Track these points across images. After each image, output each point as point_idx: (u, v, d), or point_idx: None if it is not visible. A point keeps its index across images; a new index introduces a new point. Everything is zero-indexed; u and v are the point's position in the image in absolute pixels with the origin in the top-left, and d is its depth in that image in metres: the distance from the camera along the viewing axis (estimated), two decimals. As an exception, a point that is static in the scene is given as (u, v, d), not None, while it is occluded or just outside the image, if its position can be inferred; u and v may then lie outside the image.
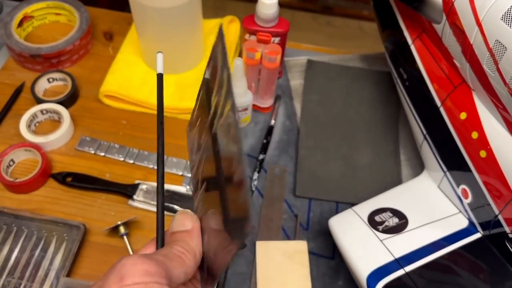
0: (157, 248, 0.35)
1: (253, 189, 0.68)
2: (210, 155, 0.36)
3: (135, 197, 0.66)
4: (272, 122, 0.75)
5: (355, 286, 0.59)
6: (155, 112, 0.74)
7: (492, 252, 0.54)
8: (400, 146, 0.74)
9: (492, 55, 0.47)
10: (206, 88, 0.39)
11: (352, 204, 0.61)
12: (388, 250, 0.55)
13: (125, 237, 0.63)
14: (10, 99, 0.75)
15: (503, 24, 0.45)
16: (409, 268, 0.54)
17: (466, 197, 0.56)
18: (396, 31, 0.66)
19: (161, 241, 0.35)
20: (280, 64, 0.75)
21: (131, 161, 0.70)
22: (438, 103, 0.58)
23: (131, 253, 0.62)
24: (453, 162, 0.57)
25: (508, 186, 0.50)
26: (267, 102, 0.75)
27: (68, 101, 0.74)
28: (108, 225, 0.63)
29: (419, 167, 0.71)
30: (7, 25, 0.78)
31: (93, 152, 0.71)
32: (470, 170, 0.54)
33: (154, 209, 0.66)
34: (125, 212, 0.66)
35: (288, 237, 0.65)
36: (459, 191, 0.57)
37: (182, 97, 0.75)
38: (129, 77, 0.77)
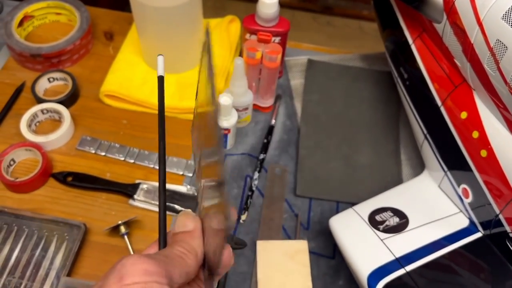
0: (159, 249, 0.35)
1: (254, 188, 0.68)
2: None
3: (135, 196, 0.66)
4: (273, 121, 0.75)
5: (356, 285, 0.59)
6: (156, 112, 0.74)
7: (492, 251, 0.54)
8: (400, 145, 0.74)
9: (493, 54, 0.47)
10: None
11: (353, 204, 0.61)
12: (389, 249, 0.55)
13: (125, 236, 0.63)
14: (10, 99, 0.75)
15: (504, 23, 0.45)
16: (409, 267, 0.54)
17: (467, 197, 0.56)
18: (397, 31, 0.66)
19: (163, 241, 0.35)
20: (281, 64, 0.75)
21: (132, 161, 0.70)
22: (439, 102, 0.58)
23: (131, 252, 0.63)
24: (453, 161, 0.58)
25: (509, 186, 0.50)
26: (268, 102, 0.75)
27: (68, 101, 0.74)
28: (109, 225, 0.63)
29: (419, 166, 0.71)
30: (8, 24, 0.78)
31: (93, 151, 0.71)
32: (470, 170, 0.54)
33: (155, 208, 0.66)
34: (126, 211, 0.66)
35: (288, 237, 0.65)
36: (459, 190, 0.57)
37: (182, 97, 0.75)
38: (130, 76, 0.77)
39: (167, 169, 0.69)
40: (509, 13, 0.45)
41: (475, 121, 0.53)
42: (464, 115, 0.54)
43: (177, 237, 0.35)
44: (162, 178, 0.36)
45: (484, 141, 0.52)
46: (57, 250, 0.62)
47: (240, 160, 0.71)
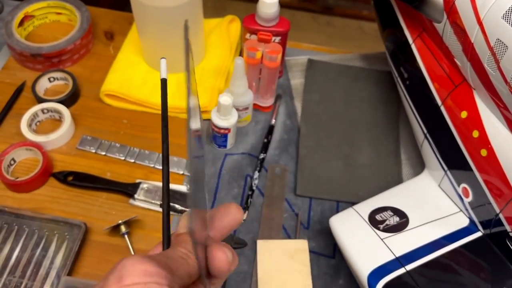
0: (163, 250, 0.35)
1: (254, 188, 0.68)
2: None
3: (136, 196, 0.66)
4: (273, 121, 0.75)
5: (356, 285, 0.59)
6: (156, 112, 0.75)
7: (492, 250, 0.54)
8: (400, 145, 0.74)
9: (493, 54, 0.47)
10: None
11: (353, 203, 0.61)
12: (389, 248, 0.55)
13: (126, 236, 0.63)
14: (11, 99, 0.75)
15: (504, 22, 0.45)
16: (410, 266, 0.54)
17: (467, 196, 0.56)
18: (397, 30, 0.66)
19: (167, 242, 0.35)
20: (281, 64, 0.75)
21: (132, 160, 0.70)
22: (439, 102, 0.58)
23: (132, 252, 0.63)
24: (453, 161, 0.58)
25: (509, 185, 0.50)
26: (268, 101, 0.75)
27: (69, 100, 0.74)
28: (109, 224, 0.63)
29: (419, 166, 0.71)
30: (8, 24, 0.79)
31: (94, 151, 0.71)
32: (471, 169, 0.54)
33: (155, 208, 0.66)
34: (126, 211, 0.66)
35: (289, 236, 0.65)
36: (459, 190, 0.57)
37: (182, 97, 0.75)
38: (130, 76, 0.77)
39: (168, 169, 0.69)
40: (509, 12, 0.45)
41: (475, 121, 0.53)
42: (464, 114, 0.55)
43: (180, 238, 0.35)
44: (166, 179, 0.36)
45: (484, 140, 0.52)
46: (58, 249, 0.62)
47: (240, 160, 0.71)
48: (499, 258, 0.53)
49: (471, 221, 0.57)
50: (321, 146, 0.73)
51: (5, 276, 0.59)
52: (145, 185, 0.67)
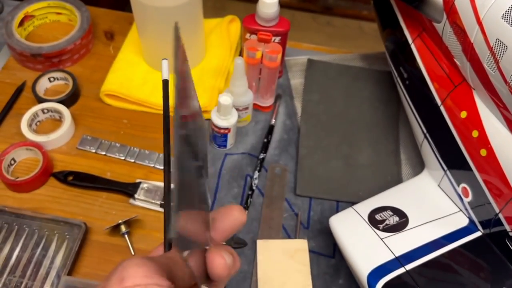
0: (165, 251, 0.35)
1: (254, 188, 0.68)
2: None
3: (136, 196, 0.66)
4: (273, 121, 0.75)
5: (356, 284, 0.59)
6: (156, 111, 0.75)
7: (492, 250, 0.54)
8: (400, 145, 0.74)
9: (493, 54, 0.47)
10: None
11: (353, 203, 0.61)
12: (389, 248, 0.55)
13: (126, 235, 0.63)
14: (11, 98, 0.75)
15: (503, 22, 0.45)
16: (409, 266, 0.54)
17: (467, 196, 0.56)
18: (397, 30, 0.66)
19: (168, 244, 0.35)
20: (281, 63, 0.75)
21: (132, 160, 0.70)
22: (439, 102, 0.58)
23: (132, 251, 0.63)
24: (453, 161, 0.58)
25: (509, 185, 0.50)
26: (268, 101, 0.75)
27: (69, 100, 0.74)
28: (109, 224, 0.63)
29: (419, 166, 0.71)
30: (8, 24, 0.79)
31: (94, 151, 0.71)
32: (470, 169, 0.54)
33: (155, 207, 0.66)
34: (126, 211, 0.66)
35: (288, 236, 0.65)
36: (459, 189, 0.57)
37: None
38: (130, 76, 0.77)
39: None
40: (509, 12, 0.45)
41: (475, 121, 0.53)
42: (464, 114, 0.55)
43: None
44: (168, 179, 0.36)
45: (483, 140, 0.52)
46: (58, 249, 0.62)
47: (240, 160, 0.71)
48: (498, 258, 0.53)
49: (471, 221, 0.57)
50: (321, 146, 0.73)
51: (5, 275, 0.59)
52: (145, 185, 0.67)
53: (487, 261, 0.54)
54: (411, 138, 0.73)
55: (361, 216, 0.58)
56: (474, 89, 0.54)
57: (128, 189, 0.67)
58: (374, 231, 0.57)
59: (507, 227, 0.52)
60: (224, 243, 0.38)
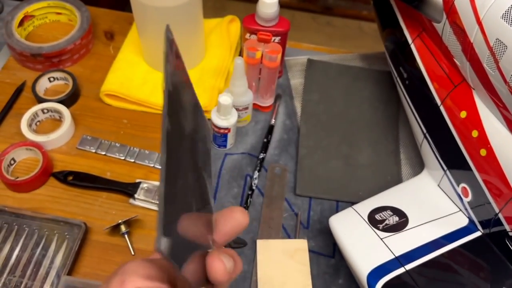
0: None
1: (254, 187, 0.68)
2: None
3: (136, 195, 0.66)
4: (273, 121, 0.75)
5: (356, 284, 0.59)
6: (156, 111, 0.75)
7: (492, 250, 0.54)
8: (400, 145, 0.75)
9: (493, 53, 0.47)
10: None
11: (353, 203, 0.62)
12: (389, 248, 0.55)
13: (126, 235, 0.63)
14: (11, 98, 0.75)
15: (503, 22, 0.45)
16: (409, 266, 0.54)
17: (466, 196, 0.56)
18: (396, 30, 0.66)
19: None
20: (281, 63, 0.75)
21: (132, 160, 0.70)
22: (438, 102, 0.58)
23: (132, 251, 0.63)
24: (453, 160, 0.58)
25: (508, 185, 0.50)
26: (268, 101, 0.76)
27: (69, 100, 0.74)
28: (109, 224, 0.63)
29: (419, 166, 0.71)
30: (8, 24, 0.79)
31: (94, 151, 0.71)
32: (470, 169, 0.54)
33: (155, 207, 0.66)
34: (126, 210, 0.66)
35: (288, 236, 0.65)
36: (459, 189, 0.57)
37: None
38: (130, 76, 0.77)
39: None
40: (509, 12, 0.45)
41: (475, 120, 0.53)
42: (463, 114, 0.55)
43: None
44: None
45: (483, 140, 0.52)
46: (58, 249, 0.62)
47: (240, 160, 0.71)
48: (498, 257, 0.53)
49: (471, 221, 0.57)
50: (321, 146, 0.73)
51: (5, 275, 0.60)
52: (145, 185, 0.67)
53: (487, 261, 0.54)
54: (411, 138, 0.73)
55: (361, 216, 0.58)
56: (473, 89, 0.54)
57: (128, 189, 0.67)
58: (374, 231, 0.57)
59: (507, 227, 0.52)
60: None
